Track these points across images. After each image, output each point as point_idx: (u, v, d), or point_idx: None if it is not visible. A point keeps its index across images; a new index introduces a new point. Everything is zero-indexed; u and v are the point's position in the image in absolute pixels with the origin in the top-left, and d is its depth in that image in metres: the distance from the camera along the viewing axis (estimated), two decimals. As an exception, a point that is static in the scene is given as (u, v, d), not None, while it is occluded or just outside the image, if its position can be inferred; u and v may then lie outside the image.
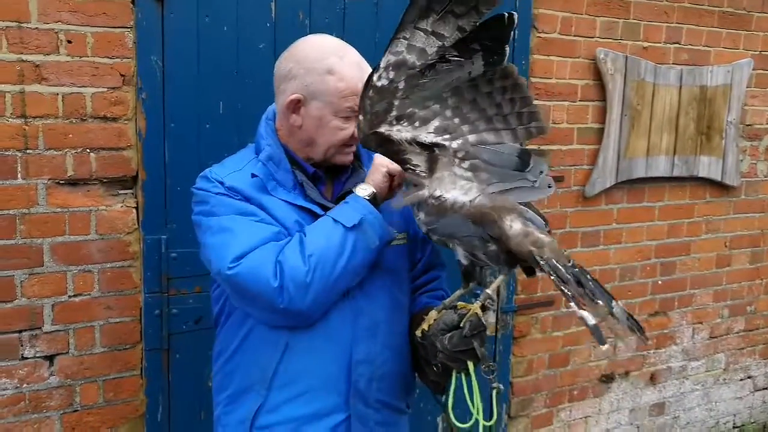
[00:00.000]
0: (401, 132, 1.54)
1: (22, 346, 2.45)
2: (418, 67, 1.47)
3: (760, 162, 4.17)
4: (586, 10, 3.40)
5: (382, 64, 1.48)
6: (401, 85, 1.49)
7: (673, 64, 3.69)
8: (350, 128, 1.72)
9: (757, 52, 4.00)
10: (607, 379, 3.85)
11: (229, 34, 2.57)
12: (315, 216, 1.72)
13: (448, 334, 1.61)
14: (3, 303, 2.40)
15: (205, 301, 2.57)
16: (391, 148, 1.56)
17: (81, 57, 2.39)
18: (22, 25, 2.29)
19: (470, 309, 1.60)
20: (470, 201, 1.54)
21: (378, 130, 1.53)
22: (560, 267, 1.48)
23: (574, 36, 3.39)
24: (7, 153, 2.34)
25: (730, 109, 3.92)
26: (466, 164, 1.55)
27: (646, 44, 3.59)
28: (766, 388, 4.57)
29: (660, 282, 3.92)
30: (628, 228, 3.74)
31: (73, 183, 2.45)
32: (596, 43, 3.44)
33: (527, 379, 3.58)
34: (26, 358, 2.47)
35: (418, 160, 1.57)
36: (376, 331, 1.77)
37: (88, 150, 2.44)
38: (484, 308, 1.60)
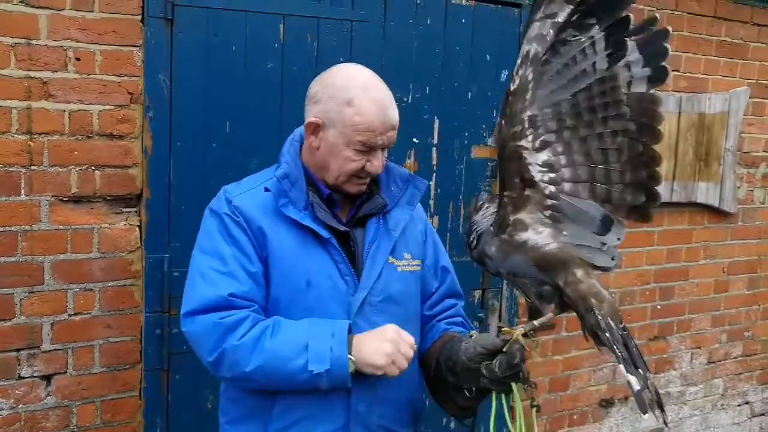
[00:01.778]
0: (526, 146, 1.52)
1: (19, 365, 2.42)
2: (542, 54, 1.46)
3: (756, 189, 4.21)
4: (589, 36, 3.42)
5: (514, 71, 1.49)
6: (530, 77, 1.48)
7: (672, 91, 3.73)
8: (361, 161, 1.71)
9: (754, 81, 4.06)
10: (607, 403, 3.84)
11: (237, 54, 2.58)
12: (319, 238, 1.71)
13: (497, 360, 1.59)
14: (1, 321, 2.37)
15: (207, 322, 2.56)
16: (514, 164, 1.55)
17: (89, 74, 2.39)
18: (31, 42, 2.29)
19: (514, 334, 1.60)
20: (543, 246, 1.54)
21: (513, 143, 1.52)
22: (613, 326, 1.49)
23: (577, 61, 3.41)
24: (11, 169, 2.32)
25: (727, 137, 3.96)
26: (547, 213, 1.54)
27: (646, 71, 3.62)
28: (763, 414, 4.56)
29: (659, 307, 3.93)
30: (628, 252, 3.74)
31: (76, 200, 2.43)
32: (598, 68, 3.46)
33: (527, 402, 3.55)
34: (23, 378, 2.43)
35: (514, 191, 1.56)
36: None
37: (92, 167, 2.43)
38: (525, 335, 1.60)
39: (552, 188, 1.53)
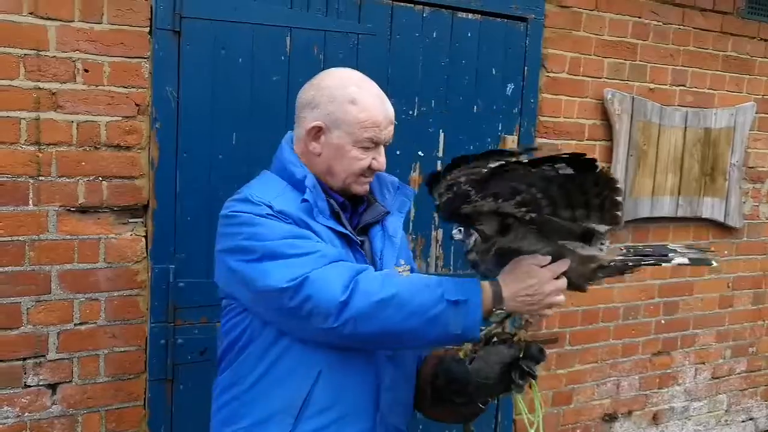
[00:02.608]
0: (483, 206, 1.55)
1: (25, 373, 2.43)
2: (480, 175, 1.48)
3: (762, 204, 4.21)
4: (595, 51, 3.45)
5: (436, 195, 1.55)
6: (467, 188, 1.51)
7: (678, 105, 3.74)
8: (368, 159, 1.73)
9: (760, 96, 4.06)
10: (610, 418, 3.83)
11: (244, 67, 2.60)
12: (351, 243, 1.73)
13: (527, 365, 1.64)
14: (8, 330, 2.38)
15: (211, 332, 2.57)
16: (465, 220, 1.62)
17: (97, 86, 2.41)
18: (40, 53, 2.31)
19: (521, 338, 1.66)
20: (536, 252, 1.60)
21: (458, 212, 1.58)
22: (624, 258, 1.60)
23: (582, 76, 3.43)
24: (19, 179, 2.34)
25: (733, 152, 3.96)
26: (531, 227, 1.59)
27: (652, 86, 3.64)
28: (767, 431, 4.54)
29: (663, 321, 3.92)
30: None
31: (83, 210, 2.45)
32: (604, 83, 3.49)
33: (530, 417, 3.54)
34: (29, 386, 2.44)
35: (489, 225, 1.60)
36: (394, 357, 1.77)
37: (100, 178, 2.45)
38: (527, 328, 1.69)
39: (531, 215, 1.55)
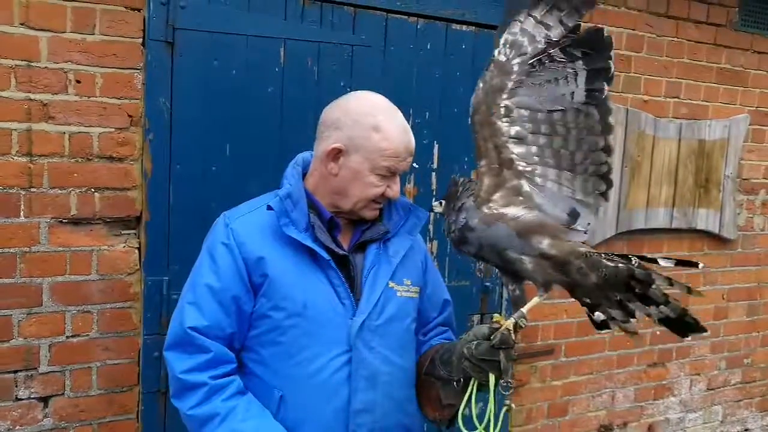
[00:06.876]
0: (501, 126, 1.64)
1: (16, 386, 2.41)
2: (529, 53, 1.62)
3: (756, 216, 4.21)
4: (588, 62, 3.45)
5: (501, 41, 1.64)
6: (515, 67, 1.62)
7: (672, 117, 3.75)
8: (382, 187, 1.74)
9: (754, 108, 4.07)
10: (606, 429, 3.82)
11: (237, 78, 2.59)
12: (318, 260, 1.72)
13: (475, 342, 1.61)
14: (-1, 342, 2.37)
15: (205, 345, 2.55)
16: (487, 131, 1.65)
17: (89, 97, 2.40)
18: (32, 64, 2.30)
19: (502, 324, 1.61)
20: (521, 216, 1.62)
21: (488, 113, 1.64)
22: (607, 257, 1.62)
23: (577, 88, 3.43)
24: (10, 191, 2.33)
25: (727, 163, 3.97)
26: (521, 198, 1.64)
27: (646, 98, 3.65)
28: (762, 442, 4.54)
29: (658, 333, 3.91)
30: (627, 278, 3.73)
31: (75, 222, 2.43)
32: (598, 95, 3.48)
33: (526, 428, 3.54)
34: (20, 400, 2.42)
35: (490, 160, 1.66)
36: (375, 381, 1.75)
37: (92, 189, 2.44)
38: (517, 326, 1.61)
39: (528, 169, 1.64)
